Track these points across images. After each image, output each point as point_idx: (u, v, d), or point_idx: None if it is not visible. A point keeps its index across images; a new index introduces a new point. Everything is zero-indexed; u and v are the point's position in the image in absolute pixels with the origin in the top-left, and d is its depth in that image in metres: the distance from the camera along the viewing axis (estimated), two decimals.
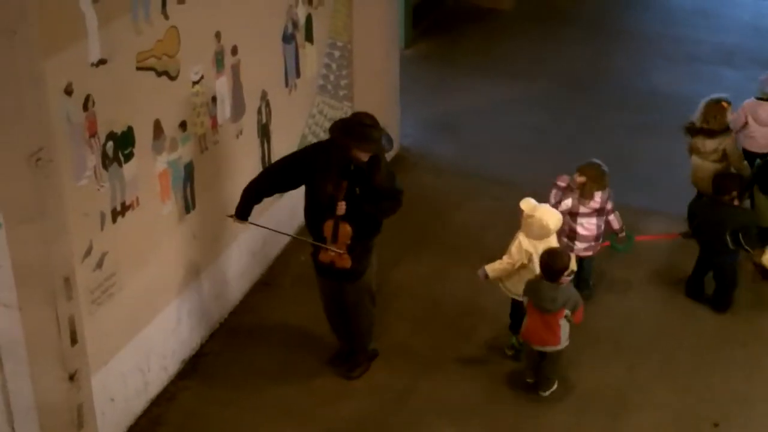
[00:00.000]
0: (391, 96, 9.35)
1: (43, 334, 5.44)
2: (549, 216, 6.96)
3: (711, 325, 7.62)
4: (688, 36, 12.10)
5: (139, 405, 6.71)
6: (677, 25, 12.40)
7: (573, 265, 6.80)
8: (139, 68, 6.06)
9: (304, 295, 7.50)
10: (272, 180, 6.64)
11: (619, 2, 13.07)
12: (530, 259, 6.96)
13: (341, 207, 6.34)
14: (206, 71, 6.77)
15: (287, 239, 7.93)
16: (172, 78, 6.41)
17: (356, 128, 6.29)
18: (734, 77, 10.98)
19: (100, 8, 5.60)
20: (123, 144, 6.05)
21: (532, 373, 7.01)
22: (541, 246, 6.91)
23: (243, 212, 6.66)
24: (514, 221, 8.53)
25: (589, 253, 7.63)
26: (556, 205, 7.33)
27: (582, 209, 7.46)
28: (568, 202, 7.44)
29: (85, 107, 5.66)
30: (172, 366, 7.00)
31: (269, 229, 7.13)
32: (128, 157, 6.12)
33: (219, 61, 6.89)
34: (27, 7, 4.84)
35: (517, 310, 7.17)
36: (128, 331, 6.46)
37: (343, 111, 8.74)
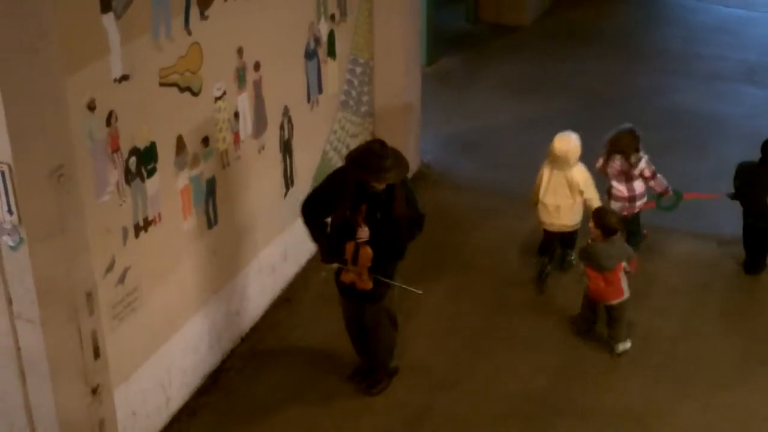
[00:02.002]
0: (412, 113, 9.33)
1: (66, 349, 5.43)
2: (557, 141, 7.74)
3: (731, 343, 7.54)
4: (710, 53, 12.02)
5: (160, 420, 6.68)
6: (699, 42, 12.32)
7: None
8: (161, 84, 6.06)
9: (324, 311, 7.48)
10: (314, 211, 6.57)
11: (641, 20, 13.00)
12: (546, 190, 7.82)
13: (363, 231, 6.34)
14: (228, 87, 6.76)
15: (308, 255, 7.90)
16: (195, 94, 6.41)
17: (367, 160, 6.24)
18: (757, 94, 10.92)
19: (123, 24, 5.60)
20: (146, 159, 6.04)
21: (593, 317, 7.51)
22: (556, 174, 7.75)
23: (328, 253, 6.56)
24: (534, 240, 8.53)
25: (625, 213, 7.97)
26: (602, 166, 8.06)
27: (611, 172, 7.99)
28: (599, 163, 8.07)
29: (108, 123, 5.66)
30: (194, 381, 6.98)
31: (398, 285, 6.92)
32: (151, 172, 6.11)
33: (241, 77, 6.88)
34: (49, 24, 4.84)
35: (545, 239, 8.08)
36: (149, 346, 6.44)
37: (365, 127, 8.72)
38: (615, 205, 7.99)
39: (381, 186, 6.28)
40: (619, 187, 8.01)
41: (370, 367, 7.08)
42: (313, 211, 6.59)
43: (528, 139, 10.01)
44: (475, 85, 11.34)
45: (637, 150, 7.88)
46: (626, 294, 7.35)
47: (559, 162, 7.78)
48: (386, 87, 8.93)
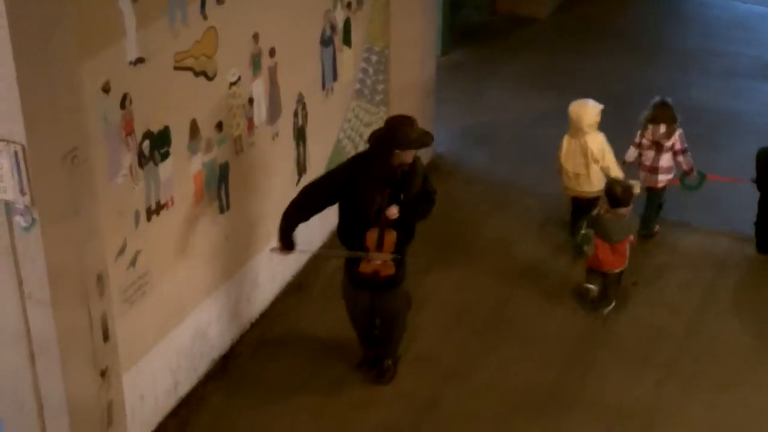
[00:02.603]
0: (427, 103, 9.29)
1: (76, 331, 5.43)
2: (572, 104, 7.98)
3: (742, 340, 7.49)
4: (726, 50, 11.92)
5: (168, 405, 6.68)
6: (714, 38, 12.22)
7: (636, 189, 7.69)
8: (176, 68, 6.03)
9: (334, 299, 7.43)
10: (312, 200, 6.55)
11: (657, 16, 12.90)
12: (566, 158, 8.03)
13: (394, 212, 6.30)
14: (243, 73, 6.73)
15: (320, 242, 7.88)
16: (210, 79, 6.38)
17: (396, 131, 6.25)
18: None
19: (139, 8, 5.57)
20: (159, 143, 6.02)
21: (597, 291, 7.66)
22: (574, 141, 7.96)
23: (287, 241, 6.58)
24: (545, 233, 8.49)
25: (651, 185, 8.20)
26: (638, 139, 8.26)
27: (644, 141, 8.18)
28: (637, 138, 8.26)
29: (123, 106, 5.63)
30: (202, 367, 6.97)
31: (325, 253, 7.20)
32: (164, 156, 6.09)
33: (256, 62, 6.86)
34: (64, 8, 4.81)
35: (573, 206, 8.29)
36: (159, 330, 6.43)
37: (379, 116, 8.68)
38: (641, 175, 8.20)
39: (409, 159, 6.27)
40: (647, 156, 8.16)
41: (375, 356, 7.06)
42: (307, 203, 6.53)
43: (541, 133, 9.97)
44: (489, 77, 11.29)
45: (675, 121, 8.07)
46: (626, 263, 7.62)
47: (574, 127, 7.96)
48: (401, 77, 8.89)
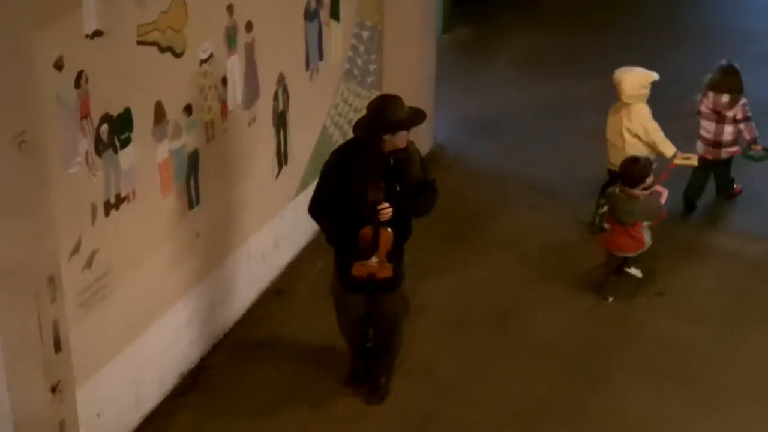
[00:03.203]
0: (426, 87, 9.27)
1: (24, 340, 5.32)
2: (617, 71, 8.12)
3: (762, 353, 7.47)
4: (763, 30, 11.89)
5: (130, 422, 6.61)
6: (751, 19, 12.19)
7: (693, 161, 8.02)
8: (140, 42, 5.96)
9: (320, 305, 7.40)
10: (326, 212, 6.45)
11: None
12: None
13: (387, 211, 6.23)
14: (216, 49, 6.69)
15: (303, 242, 7.85)
16: (177, 55, 6.32)
17: (381, 114, 6.17)
18: None
19: None
20: (120, 128, 5.94)
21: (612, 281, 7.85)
22: (615, 111, 8.18)
23: (354, 250, 6.37)
24: (556, 232, 8.46)
25: (709, 157, 8.43)
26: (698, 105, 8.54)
27: (704, 110, 8.42)
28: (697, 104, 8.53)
29: (78, 84, 5.55)
30: (170, 380, 6.92)
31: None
32: (125, 142, 6.02)
33: (231, 38, 6.81)
34: None
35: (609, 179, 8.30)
36: (121, 339, 6.35)
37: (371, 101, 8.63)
38: (699, 148, 8.45)
39: (402, 143, 6.19)
40: (708, 128, 8.39)
41: (367, 369, 6.98)
42: (323, 209, 6.42)
43: (554, 121, 10.00)
44: (496, 57, 11.29)
45: (740, 90, 8.27)
46: (647, 244, 7.75)
47: (617, 94, 8.14)
48: (397, 56, 8.86)
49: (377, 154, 6.20)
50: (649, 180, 7.64)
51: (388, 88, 8.79)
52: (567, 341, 7.54)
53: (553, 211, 8.65)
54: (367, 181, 6.23)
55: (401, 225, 6.39)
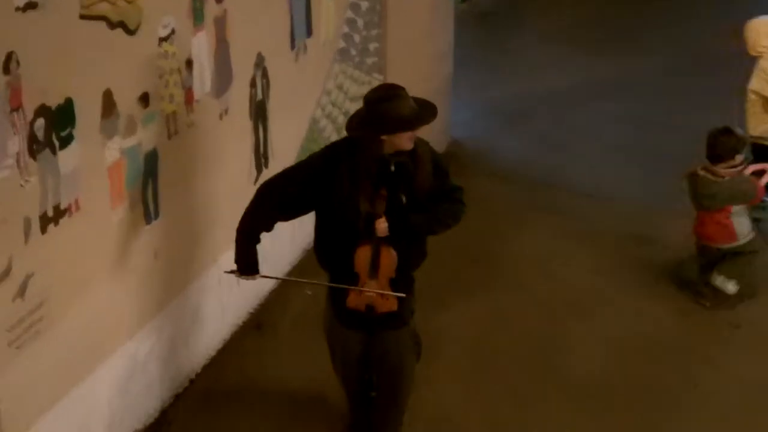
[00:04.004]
0: (439, 69, 9.29)
1: None
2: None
3: None
4: None
5: None
6: None
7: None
8: (84, 17, 5.95)
9: (310, 342, 7.41)
10: (274, 202, 6.42)
11: None
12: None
13: (382, 225, 6.22)
14: (179, 24, 6.71)
15: (287, 264, 7.87)
16: (131, 32, 6.33)
17: (379, 110, 6.12)
18: None
19: None
20: (59, 123, 5.94)
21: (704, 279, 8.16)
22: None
23: (247, 262, 6.46)
24: (599, 247, 8.44)
25: None
26: None
27: None
28: None
29: (6, 69, 5.54)
30: None
31: (300, 281, 7.32)
32: (66, 141, 6.01)
33: (197, 11, 6.85)
34: None
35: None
36: (60, 385, 6.33)
37: (371, 86, 8.64)
38: None
39: (406, 145, 6.15)
40: None
41: (370, 424, 6.94)
42: (267, 208, 6.41)
43: (593, 109, 10.02)
44: (524, 32, 11.39)
45: None
46: (741, 239, 7.98)
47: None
48: (403, 31, 8.91)
49: (373, 157, 6.18)
50: (739, 158, 7.83)
51: (393, 71, 8.87)
52: (618, 383, 7.56)
53: (597, 217, 8.65)
54: (361, 187, 6.21)
55: (410, 245, 6.37)
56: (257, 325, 7.93)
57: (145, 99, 6.53)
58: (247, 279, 6.51)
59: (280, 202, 6.38)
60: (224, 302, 7.64)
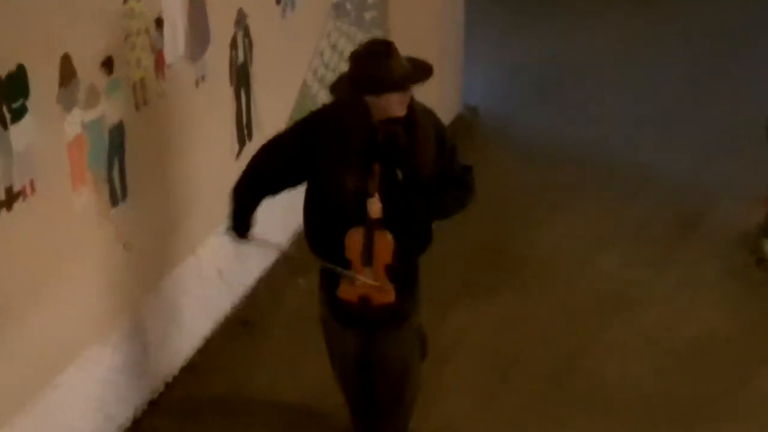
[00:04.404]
0: (450, 27, 9.27)
1: None
2: None
3: None
4: None
5: None
6: None
7: None
8: None
9: (303, 340, 7.45)
10: (264, 170, 6.55)
11: None
12: None
13: (375, 206, 6.23)
14: None
15: (275, 251, 7.87)
16: None
17: (363, 68, 6.15)
18: None
19: None
20: (10, 93, 5.93)
21: None
22: None
23: (239, 223, 6.59)
24: (639, 234, 8.44)
25: None
26: None
27: None
28: None
29: None
30: None
31: (290, 255, 7.32)
32: (19, 114, 6.00)
33: None
34: None
35: None
36: (17, 396, 6.34)
37: None
38: None
39: (397, 110, 6.14)
40: None
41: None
42: (256, 179, 6.53)
43: (634, 75, 10.01)
44: None
45: None
46: None
47: None
48: None
49: (359, 123, 6.21)
50: None
51: (396, 28, 8.84)
52: (661, 399, 7.53)
53: (640, 201, 8.66)
54: (349, 162, 6.25)
55: (411, 228, 6.39)
56: (243, 321, 7.96)
57: (108, 64, 6.51)
58: (240, 242, 6.62)
59: (272, 167, 6.49)
60: (205, 297, 7.66)
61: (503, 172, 9.20)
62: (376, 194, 6.19)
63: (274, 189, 6.56)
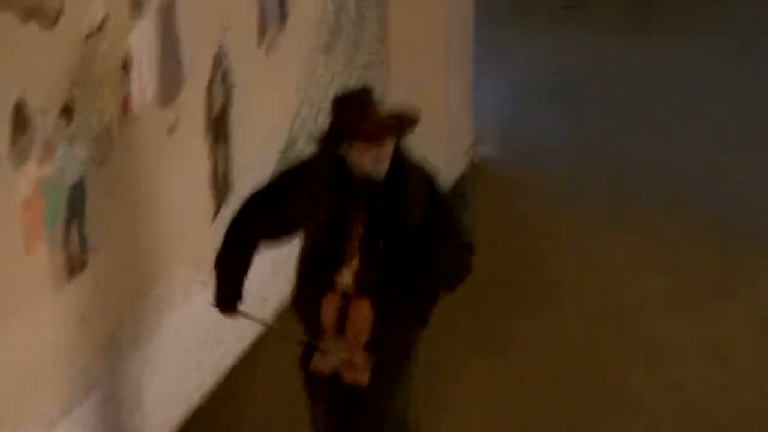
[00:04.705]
0: (459, 54, 9.23)
1: None
2: None
3: None
4: None
5: None
6: None
7: None
8: None
9: (292, 412, 7.36)
10: (245, 238, 6.66)
11: None
12: None
13: (343, 278, 6.33)
14: (114, 12, 6.67)
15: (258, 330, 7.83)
16: (49, 24, 6.26)
17: (340, 114, 6.29)
18: None
19: None
20: None
21: None
22: None
23: (227, 294, 6.67)
24: (686, 266, 8.41)
25: None
26: None
27: None
28: None
29: None
30: None
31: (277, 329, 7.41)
32: None
33: None
34: None
35: None
36: None
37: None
38: None
39: (370, 166, 6.21)
40: None
41: None
42: (249, 220, 6.63)
43: (664, 78, 10.02)
44: None
45: None
46: None
47: None
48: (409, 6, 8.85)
49: (338, 182, 6.35)
50: None
51: (398, 64, 8.79)
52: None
53: (675, 228, 8.63)
54: (324, 214, 6.38)
55: (396, 299, 6.43)
56: (227, 392, 7.98)
57: (68, 113, 6.47)
58: (226, 315, 6.72)
59: (246, 241, 6.65)
60: (179, 373, 7.68)
61: (516, 197, 9.51)
62: (354, 260, 6.31)
63: (271, 231, 6.68)
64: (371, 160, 6.22)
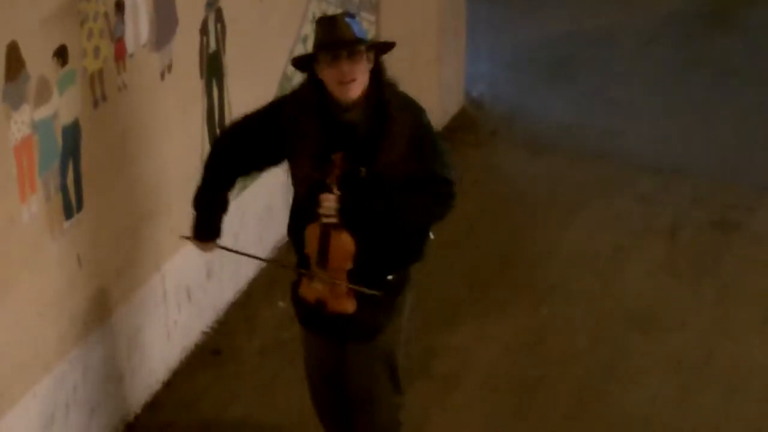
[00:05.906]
0: (451, 8, 9.29)
1: None
2: None
3: None
4: None
5: None
6: None
7: None
8: None
9: (281, 371, 7.55)
10: (236, 146, 6.66)
11: None
12: None
13: (326, 203, 6.30)
14: None
15: (253, 270, 7.88)
16: None
17: (320, 31, 6.29)
18: None
19: None
20: None
21: None
22: None
23: (203, 225, 6.70)
24: (669, 239, 8.46)
25: None
26: None
27: None
28: None
29: None
30: None
31: (258, 258, 7.30)
32: None
33: None
34: None
35: None
36: None
37: None
38: None
39: (344, 91, 6.22)
40: None
41: None
42: (228, 152, 6.68)
43: (662, 54, 10.03)
44: None
45: None
46: None
47: None
48: None
49: (323, 102, 6.33)
50: None
51: (389, 7, 8.85)
52: (692, 420, 7.56)
53: (669, 202, 8.67)
54: (306, 147, 6.38)
55: (382, 233, 6.44)
56: (215, 350, 7.98)
57: (62, 54, 6.52)
58: (203, 249, 6.76)
59: (236, 155, 6.64)
60: (171, 321, 7.68)
61: (511, 167, 9.21)
62: (333, 190, 6.27)
63: (249, 163, 6.73)
64: (335, 79, 6.21)
